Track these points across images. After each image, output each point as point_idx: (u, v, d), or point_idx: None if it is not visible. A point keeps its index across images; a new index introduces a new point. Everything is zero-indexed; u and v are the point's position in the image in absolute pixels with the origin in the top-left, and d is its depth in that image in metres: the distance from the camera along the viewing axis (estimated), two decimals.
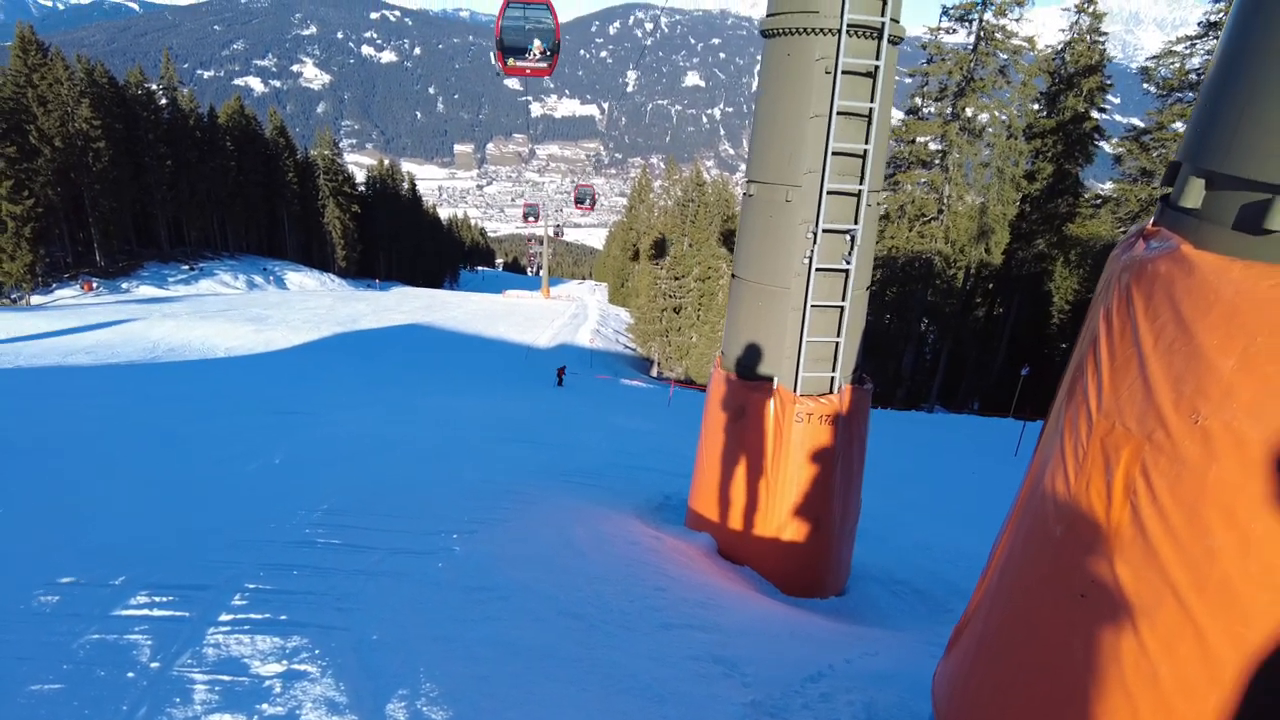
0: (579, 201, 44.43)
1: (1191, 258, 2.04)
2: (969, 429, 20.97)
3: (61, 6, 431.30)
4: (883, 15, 5.36)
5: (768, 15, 5.78)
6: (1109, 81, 29.34)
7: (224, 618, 3.83)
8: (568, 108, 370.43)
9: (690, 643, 4.13)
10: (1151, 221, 2.36)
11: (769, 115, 5.89)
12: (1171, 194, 2.27)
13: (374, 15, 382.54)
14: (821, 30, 5.40)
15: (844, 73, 5.39)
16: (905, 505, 10.98)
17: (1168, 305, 2.08)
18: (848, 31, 5.32)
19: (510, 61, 13.04)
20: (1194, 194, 2.12)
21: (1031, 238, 31.10)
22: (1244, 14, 2.02)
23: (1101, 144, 30.07)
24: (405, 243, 78.83)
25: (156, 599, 3.98)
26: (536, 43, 13.05)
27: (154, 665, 3.28)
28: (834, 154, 5.52)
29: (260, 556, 4.89)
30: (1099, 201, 30.57)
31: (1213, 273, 1.97)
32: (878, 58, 5.41)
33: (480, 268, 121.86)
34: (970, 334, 33.16)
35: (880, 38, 5.39)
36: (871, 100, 5.49)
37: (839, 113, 5.45)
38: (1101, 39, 29.28)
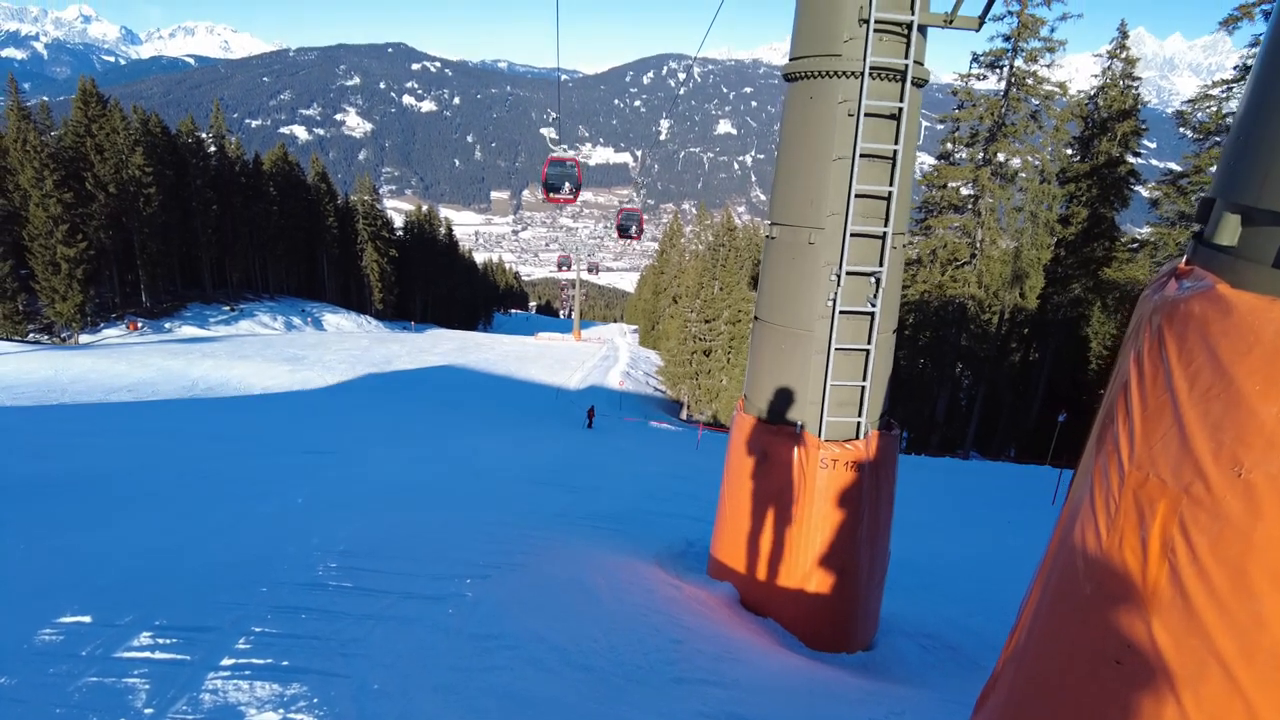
0: (623, 230, 35.25)
1: (1228, 297, 1.90)
2: (1005, 476, 20.39)
3: (123, 62, 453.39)
4: (906, 58, 5.31)
5: (790, 59, 5.77)
6: (1144, 126, 29.01)
7: (225, 662, 3.75)
8: (602, 155, 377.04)
9: (703, 699, 3.94)
10: (1184, 260, 2.23)
11: (792, 158, 5.84)
12: (1205, 230, 2.14)
13: (415, 66, 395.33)
14: (844, 73, 5.37)
15: (867, 115, 5.34)
16: (938, 555, 10.62)
17: (1203, 348, 1.94)
18: (871, 74, 5.28)
19: (550, 194, 21.21)
20: (1229, 230, 1.99)
21: (1067, 282, 30.59)
22: None
23: (1137, 188, 29.63)
24: (441, 286, 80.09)
25: (160, 640, 3.91)
26: (567, 184, 21.06)
27: (148, 711, 3.20)
28: (857, 196, 5.44)
29: (270, 598, 4.82)
30: (1136, 245, 30.02)
31: (1251, 313, 1.83)
32: (901, 100, 5.36)
33: (514, 310, 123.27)
34: (1006, 379, 32.49)
35: (904, 80, 5.34)
36: (895, 142, 5.42)
37: (862, 155, 5.38)
38: (1135, 84, 29.04)
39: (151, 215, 45.72)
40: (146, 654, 3.76)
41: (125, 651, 3.77)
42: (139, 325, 43.90)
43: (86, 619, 4.13)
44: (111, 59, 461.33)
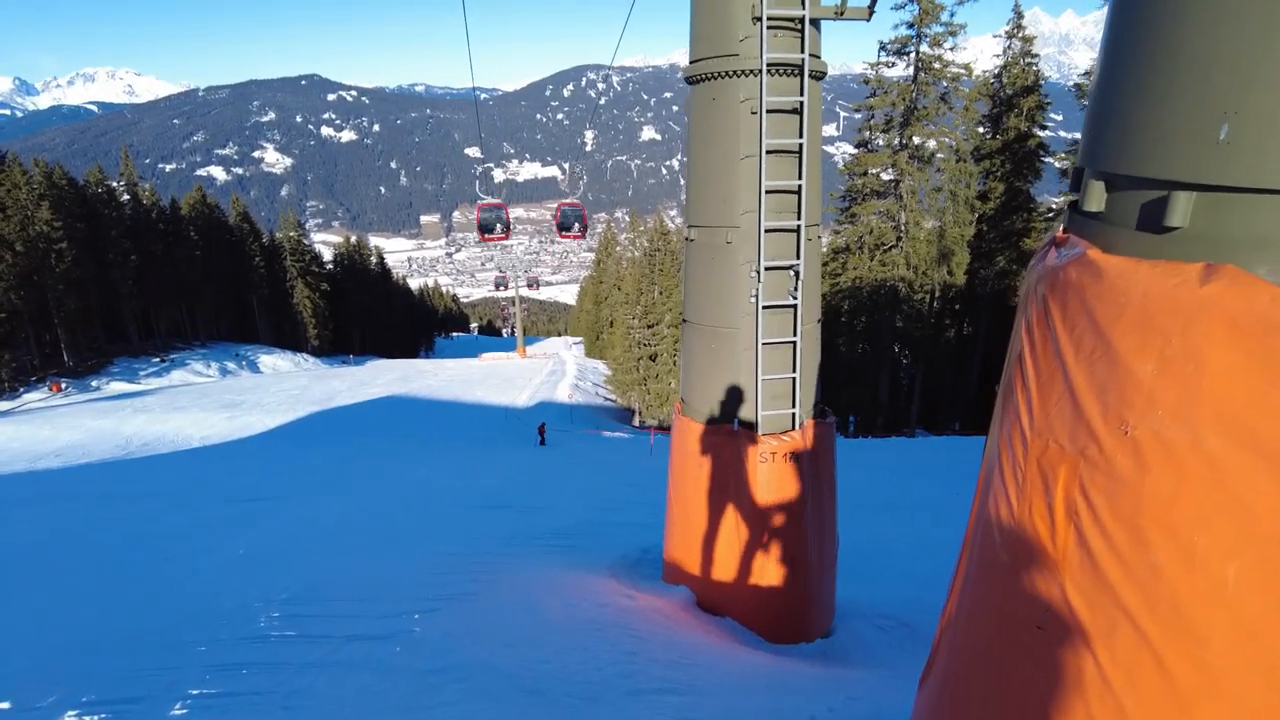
0: (564, 228, 30.54)
1: (1099, 262, 1.97)
2: (950, 450, 20.90)
3: (20, 115, 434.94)
4: (802, 52, 5.40)
5: (691, 62, 5.82)
6: (1047, 100, 30.18)
7: None
8: (529, 171, 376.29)
9: (660, 708, 3.91)
10: (1061, 228, 2.30)
11: (701, 160, 5.89)
12: (1077, 199, 2.21)
13: (331, 97, 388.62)
14: (744, 72, 5.44)
15: (769, 111, 5.41)
16: (890, 536, 10.80)
17: (1083, 313, 1.99)
18: (769, 71, 5.35)
19: (485, 235, 25.97)
20: (1095, 197, 2.05)
21: (992, 256, 31.55)
22: (1119, 14, 1.98)
23: (1048, 159, 30.79)
24: (378, 316, 78.70)
25: (85, 719, 3.72)
26: (499, 225, 25.33)
27: None
28: (768, 192, 5.50)
29: (209, 657, 4.64)
30: (1052, 214, 31.16)
31: (1120, 276, 1.89)
32: (801, 94, 5.44)
33: (455, 333, 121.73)
34: (943, 355, 33.35)
35: (801, 74, 5.42)
36: (800, 136, 5.50)
37: (768, 151, 5.44)
38: (1034, 60, 30.20)
39: (65, 271, 43.86)
40: None
41: None
42: (63, 386, 41.99)
43: (4, 705, 3.90)
44: (7, 112, 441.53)
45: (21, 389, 41.16)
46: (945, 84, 28.17)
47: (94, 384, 43.94)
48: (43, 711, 3.79)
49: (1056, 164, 30.37)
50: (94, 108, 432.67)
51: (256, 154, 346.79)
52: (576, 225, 30.21)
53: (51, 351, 45.43)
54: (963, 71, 28.03)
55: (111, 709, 3.83)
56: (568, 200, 30.01)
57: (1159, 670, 1.85)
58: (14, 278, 40.92)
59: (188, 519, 11.98)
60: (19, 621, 5.69)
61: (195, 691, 4.08)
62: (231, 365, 53.14)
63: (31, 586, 7.18)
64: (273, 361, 56.65)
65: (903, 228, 29.43)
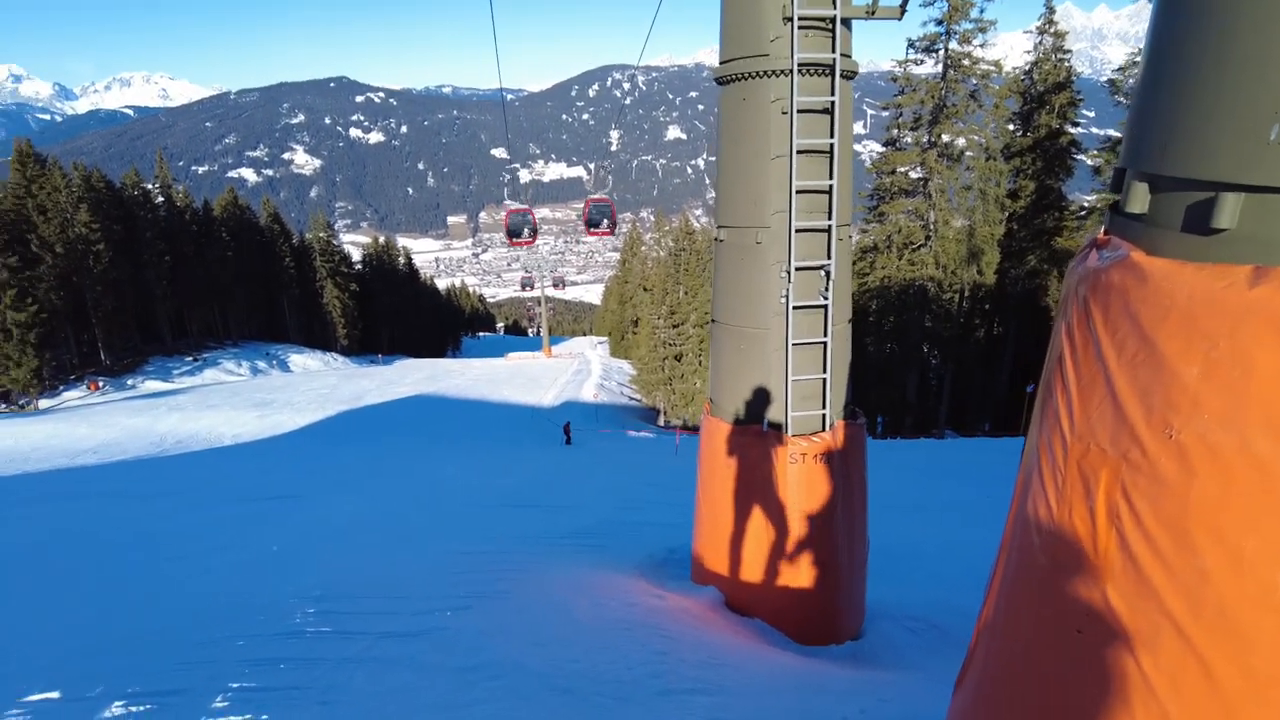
0: (592, 224, 28.66)
1: (1143, 264, 1.94)
2: (979, 451, 20.66)
3: (59, 119, 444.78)
4: (833, 52, 5.38)
5: (721, 62, 5.82)
6: (1079, 96, 29.74)
7: None
8: (555, 171, 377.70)
9: (690, 708, 3.93)
10: (1103, 230, 2.27)
11: (732, 160, 5.89)
12: (1119, 200, 2.19)
13: (359, 99, 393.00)
14: (774, 72, 5.43)
15: (800, 111, 5.39)
16: (918, 538, 10.71)
17: (1126, 316, 1.97)
18: (800, 71, 5.34)
19: (513, 239, 28.06)
20: (1139, 199, 2.03)
21: (1022, 255, 31.15)
22: (1166, 11, 1.96)
23: (1080, 157, 30.33)
24: (405, 316, 79.46)
25: (133, 709, 3.81)
26: (526, 230, 27.49)
27: None
28: (799, 192, 5.49)
29: (247, 651, 4.72)
30: (1084, 213, 30.68)
31: (1165, 278, 1.87)
32: (832, 94, 5.42)
33: (482, 333, 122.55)
34: (973, 355, 32.97)
35: (833, 74, 5.40)
36: (831, 136, 5.48)
37: (799, 151, 5.43)
38: (1066, 56, 29.76)
39: (103, 272, 44.82)
40: None
41: None
42: (100, 384, 42.93)
43: (54, 695, 4.00)
44: (47, 117, 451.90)
45: (61, 387, 42.15)
46: (975, 81, 27.86)
47: (129, 382, 44.87)
48: (91, 701, 3.89)
49: (1089, 161, 29.90)
50: (130, 111, 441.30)
51: (286, 155, 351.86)
52: (605, 222, 28.71)
53: (89, 351, 46.47)
54: (992, 68, 27.69)
55: (156, 700, 3.92)
56: (596, 196, 28.44)
57: (1204, 676, 1.83)
58: (54, 279, 41.90)
59: (219, 515, 12.18)
60: (46, 617, 5.83)
61: (235, 685, 4.16)
62: (262, 364, 53.96)
63: (57, 584, 7.34)
64: (303, 361, 57.45)
65: (931, 227, 29.14)
